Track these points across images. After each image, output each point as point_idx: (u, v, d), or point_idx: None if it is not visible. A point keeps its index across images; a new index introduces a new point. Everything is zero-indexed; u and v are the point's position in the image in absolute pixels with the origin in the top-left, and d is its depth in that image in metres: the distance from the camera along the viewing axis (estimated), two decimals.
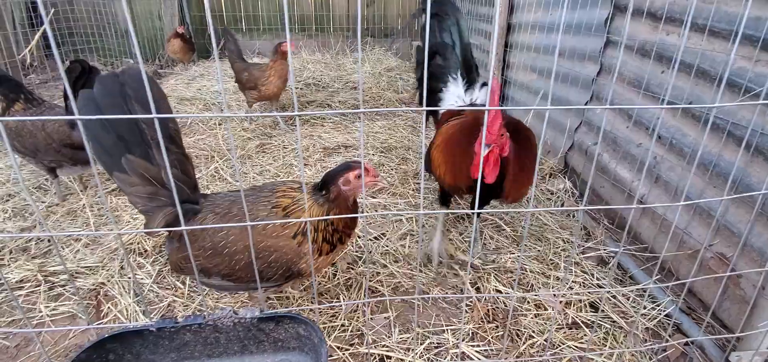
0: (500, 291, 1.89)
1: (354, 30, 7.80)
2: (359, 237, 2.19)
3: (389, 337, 1.64)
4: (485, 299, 1.86)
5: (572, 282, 1.98)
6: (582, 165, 2.76)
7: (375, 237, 2.19)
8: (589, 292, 1.91)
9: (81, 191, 2.60)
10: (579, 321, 1.77)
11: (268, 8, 7.39)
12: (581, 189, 2.76)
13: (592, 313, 1.83)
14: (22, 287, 1.83)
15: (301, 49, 7.02)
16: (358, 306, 1.77)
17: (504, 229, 2.32)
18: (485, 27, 4.65)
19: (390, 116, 4.22)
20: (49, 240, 2.12)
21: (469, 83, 2.27)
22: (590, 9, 2.80)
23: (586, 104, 2.80)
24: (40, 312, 1.70)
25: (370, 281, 1.90)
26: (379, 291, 1.87)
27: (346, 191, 1.42)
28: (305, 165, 3.02)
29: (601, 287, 1.94)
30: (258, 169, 2.96)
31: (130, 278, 1.86)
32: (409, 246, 2.14)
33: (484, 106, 2.05)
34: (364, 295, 1.82)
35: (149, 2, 6.49)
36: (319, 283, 1.89)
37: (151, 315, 1.70)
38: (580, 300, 1.87)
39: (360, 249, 2.11)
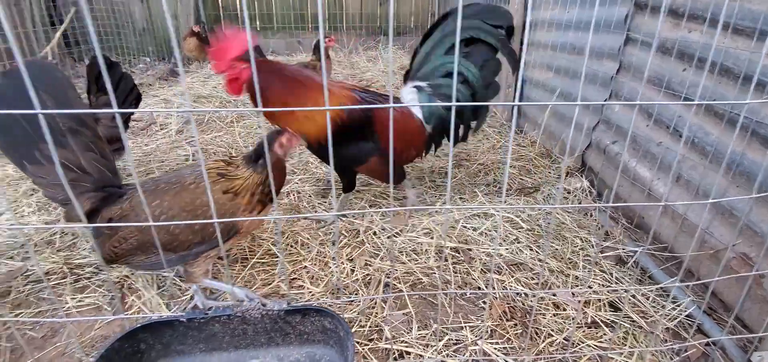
0: (518, 292, 1.88)
1: (367, 28, 7.81)
2: (374, 234, 2.20)
3: (408, 333, 1.65)
4: (503, 296, 1.86)
5: (591, 281, 1.96)
6: (600, 164, 2.73)
7: (392, 235, 2.20)
8: (608, 292, 1.90)
9: None
10: (598, 321, 1.76)
11: (282, 7, 7.44)
12: (599, 188, 2.73)
13: (612, 313, 1.81)
14: (49, 279, 1.88)
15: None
16: (376, 302, 1.79)
17: (521, 226, 2.31)
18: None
19: None
20: (73, 234, 2.17)
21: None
22: (609, 6, 2.77)
23: (604, 102, 2.78)
24: (67, 303, 1.75)
25: (387, 277, 1.91)
26: (397, 288, 1.88)
27: (281, 153, 1.56)
28: (321, 162, 3.04)
29: (626, 290, 1.92)
30: None
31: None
32: (427, 243, 2.14)
33: None
34: (382, 291, 1.83)
35: (170, 4, 6.59)
36: (338, 278, 1.90)
37: (174, 308, 1.73)
38: (599, 300, 1.86)
39: (376, 246, 2.12)
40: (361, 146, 2.05)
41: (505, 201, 2.60)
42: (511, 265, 2.04)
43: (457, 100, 2.17)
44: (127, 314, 1.69)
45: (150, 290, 1.79)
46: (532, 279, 1.97)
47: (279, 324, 1.13)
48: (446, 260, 2.04)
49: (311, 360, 1.13)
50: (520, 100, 4.13)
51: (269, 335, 1.14)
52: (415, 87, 2.20)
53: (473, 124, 2.35)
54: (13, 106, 1.26)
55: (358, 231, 2.23)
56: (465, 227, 2.26)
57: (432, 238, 2.15)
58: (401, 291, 1.85)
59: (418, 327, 1.69)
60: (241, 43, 1.72)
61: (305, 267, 1.96)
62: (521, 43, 4.06)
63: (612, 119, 2.71)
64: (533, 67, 3.83)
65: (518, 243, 2.18)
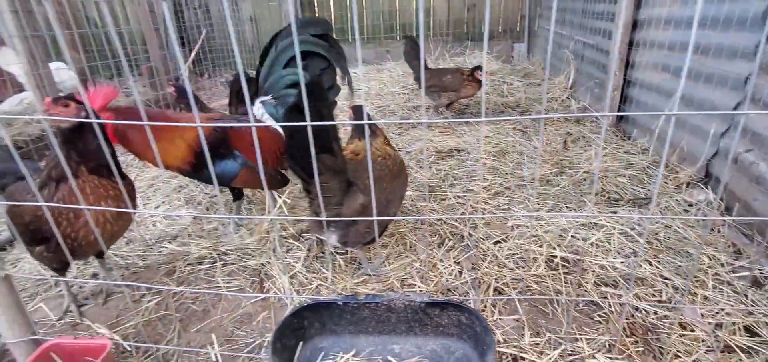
0: (637, 307, 1.80)
1: (454, 34, 7.84)
2: (471, 235, 2.25)
3: (520, 339, 1.68)
4: (621, 311, 1.79)
5: (723, 302, 1.80)
6: (730, 174, 2.47)
7: (498, 240, 2.23)
8: (743, 315, 1.73)
9: None
10: (733, 346, 1.62)
11: (372, 18, 7.78)
12: (728, 202, 2.47)
13: (748, 338, 1.66)
14: (202, 263, 2.23)
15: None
16: (485, 306, 1.84)
17: (637, 239, 2.19)
18: (603, 25, 4.36)
19: (498, 121, 4.18)
20: (222, 225, 2.55)
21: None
22: (743, 1, 2.50)
23: (735, 108, 2.51)
24: (219, 283, 2.07)
25: (496, 282, 1.95)
26: (506, 292, 1.91)
27: None
28: (421, 167, 3.17)
29: (765, 315, 1.74)
30: None
31: (283, 260, 2.17)
32: (534, 251, 2.14)
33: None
34: (491, 294, 1.88)
35: (270, 21, 7.28)
36: (446, 280, 1.99)
37: (303, 294, 1.96)
38: (733, 323, 1.71)
39: (483, 251, 2.17)
40: (225, 164, 2.15)
41: (617, 212, 2.48)
42: (629, 279, 1.95)
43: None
44: (265, 296, 1.96)
45: (282, 277, 2.05)
46: (653, 295, 1.87)
47: (419, 315, 1.25)
48: (556, 269, 2.02)
49: (446, 351, 1.22)
50: (625, 104, 3.87)
51: (409, 324, 1.27)
52: (262, 102, 2.36)
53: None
54: None
55: (463, 236, 2.30)
56: (575, 237, 2.21)
57: (540, 246, 2.14)
58: (510, 296, 1.88)
59: (531, 335, 1.70)
60: (103, 97, 1.83)
61: (415, 267, 2.08)
62: (630, 43, 3.81)
63: (747, 125, 2.44)
64: (645, 68, 3.57)
65: (635, 256, 2.07)
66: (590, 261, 2.06)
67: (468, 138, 3.75)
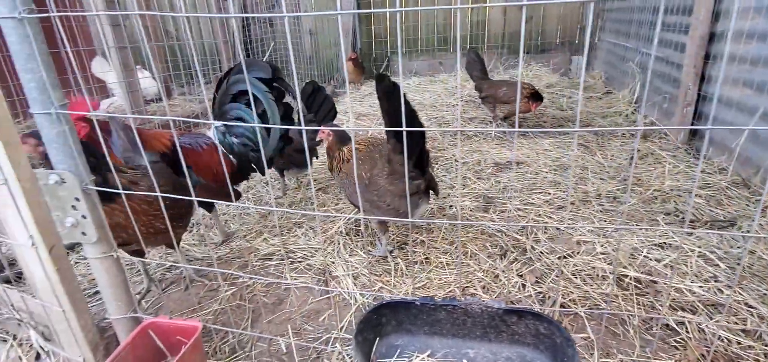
0: (720, 336, 1.69)
1: (510, 46, 7.74)
2: (533, 248, 2.21)
3: (590, 357, 1.63)
4: (700, 338, 1.69)
5: None
6: None
7: (563, 256, 2.18)
8: None
9: (296, 187, 3.22)
10: None
11: (426, 31, 7.86)
12: None
13: None
14: (271, 259, 2.37)
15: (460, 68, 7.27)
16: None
17: (717, 263, 2.06)
18: (674, 37, 4.13)
19: (556, 134, 4.09)
20: (295, 223, 2.69)
21: None
22: None
23: None
24: (287, 279, 2.18)
25: (562, 297, 1.91)
26: (573, 309, 1.86)
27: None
28: (478, 178, 3.16)
29: None
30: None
31: (346, 260, 2.26)
32: (601, 269, 2.07)
33: None
34: (558, 311, 1.84)
35: (328, 34, 7.57)
36: (510, 292, 1.97)
37: (367, 296, 2.02)
38: None
39: (547, 266, 2.13)
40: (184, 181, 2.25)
41: (693, 233, 2.33)
42: (708, 305, 1.84)
43: (248, 139, 2.56)
44: (330, 292, 2.05)
45: (347, 279, 2.13)
46: (736, 323, 1.75)
47: (495, 321, 1.26)
48: (627, 289, 1.94)
49: (522, 360, 1.23)
50: (699, 120, 3.63)
51: (485, 330, 1.28)
52: (215, 128, 2.56)
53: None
54: None
55: (525, 249, 2.27)
56: (647, 257, 2.11)
57: (609, 263, 2.07)
58: (577, 313, 1.83)
59: (601, 355, 1.65)
60: (81, 106, 1.90)
61: (477, 277, 2.08)
62: (706, 57, 3.59)
63: None
64: (723, 83, 3.34)
65: (716, 281, 1.94)
66: (665, 283, 1.96)
67: (526, 150, 3.69)
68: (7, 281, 2.22)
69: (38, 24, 1.20)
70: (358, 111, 5.24)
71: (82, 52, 5.18)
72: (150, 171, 1.32)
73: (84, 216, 1.35)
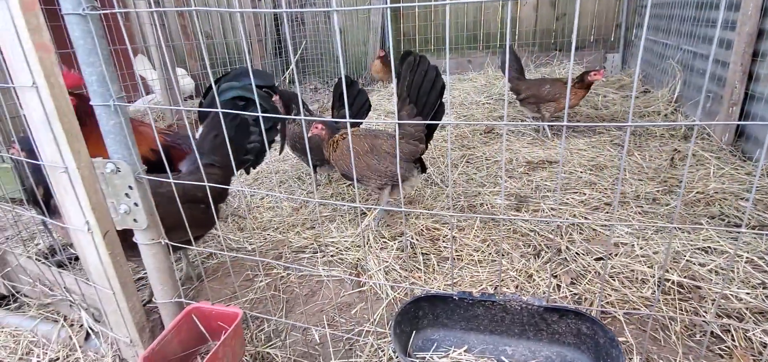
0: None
1: (541, 44, 7.57)
2: (568, 249, 2.17)
3: (630, 360, 1.59)
4: (747, 347, 1.62)
5: None
6: None
7: (600, 257, 2.13)
8: None
9: (327, 183, 3.27)
10: None
11: (454, 29, 7.80)
12: None
13: None
14: (305, 251, 2.42)
15: (487, 66, 7.20)
16: None
17: (767, 270, 1.96)
18: (720, 33, 3.94)
19: (590, 132, 3.98)
20: (328, 218, 2.75)
21: None
22: None
23: None
24: (320, 273, 2.23)
25: (600, 300, 1.86)
26: (610, 313, 1.82)
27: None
28: (510, 177, 3.12)
29: None
30: (464, 177, 3.20)
31: (377, 254, 2.28)
32: (641, 272, 2.01)
33: None
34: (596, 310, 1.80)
35: (358, 32, 7.63)
36: (544, 293, 1.94)
37: (397, 291, 2.04)
38: None
39: (584, 268, 2.08)
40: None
41: (742, 238, 2.23)
42: (757, 313, 1.75)
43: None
44: (361, 289, 2.07)
45: (379, 274, 2.15)
46: None
47: (535, 319, 1.25)
48: (668, 293, 1.88)
49: (562, 360, 1.21)
50: (746, 120, 3.45)
51: (523, 327, 1.27)
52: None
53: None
54: None
55: (560, 249, 2.23)
56: (690, 261, 2.03)
57: (650, 267, 2.00)
58: (615, 316, 1.78)
59: (640, 361, 1.60)
60: (71, 80, 1.91)
61: (511, 275, 2.06)
62: (754, 55, 3.41)
63: None
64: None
65: (765, 288, 1.85)
66: (709, 289, 1.88)
67: (560, 149, 3.61)
68: (61, 264, 2.36)
69: (100, 20, 1.27)
70: (386, 108, 5.26)
71: (128, 50, 5.42)
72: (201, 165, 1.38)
73: (136, 204, 1.42)
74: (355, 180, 2.34)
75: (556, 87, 3.88)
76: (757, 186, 2.69)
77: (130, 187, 1.39)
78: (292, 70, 6.85)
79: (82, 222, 1.45)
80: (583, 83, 3.79)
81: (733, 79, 3.51)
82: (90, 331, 1.90)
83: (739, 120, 3.53)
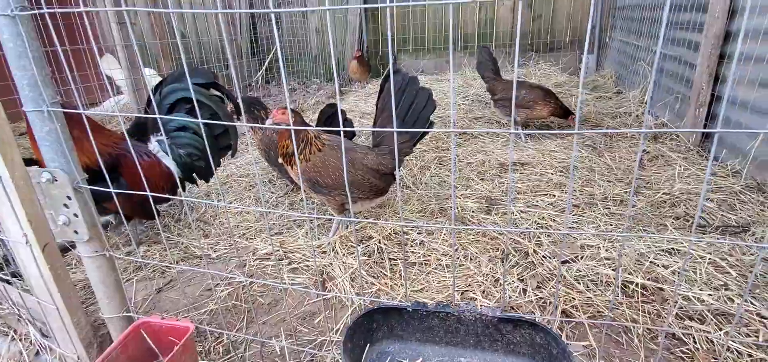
0: (729, 347, 1.63)
1: (518, 45, 7.64)
2: (535, 252, 2.16)
3: None
4: (708, 349, 1.63)
5: None
6: None
7: (566, 261, 2.13)
8: None
9: (296, 189, 3.20)
10: None
11: (434, 30, 7.80)
12: None
13: None
14: (269, 258, 2.35)
15: (464, 67, 7.22)
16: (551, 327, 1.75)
17: (729, 271, 1.99)
18: (687, 35, 4.03)
19: (564, 135, 4.01)
20: (296, 223, 2.68)
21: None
22: None
23: None
24: (284, 280, 2.16)
25: (564, 303, 1.86)
26: (574, 315, 1.81)
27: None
28: (482, 179, 3.11)
29: None
30: (437, 179, 3.18)
31: (343, 260, 2.23)
32: (606, 275, 2.01)
33: None
34: (559, 318, 1.79)
35: (337, 32, 7.55)
36: (510, 297, 1.93)
37: (364, 297, 1.99)
38: None
39: (550, 271, 2.08)
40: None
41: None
42: (718, 315, 1.77)
43: (194, 148, 2.56)
44: (324, 295, 2.02)
45: (344, 282, 2.10)
46: (748, 335, 1.68)
47: (489, 330, 1.23)
48: (632, 296, 1.89)
49: None
50: (712, 122, 3.53)
51: (478, 338, 1.25)
52: (158, 140, 2.51)
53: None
54: None
55: (528, 252, 2.22)
56: (654, 263, 2.05)
57: (613, 269, 2.01)
58: (581, 319, 1.78)
59: None
60: None
61: (477, 281, 2.04)
62: (721, 57, 3.49)
63: None
64: (738, 84, 3.24)
65: (727, 289, 1.88)
66: (671, 291, 1.90)
67: (532, 151, 3.63)
68: (15, 275, 2.24)
69: (31, 21, 1.19)
70: (362, 110, 5.21)
71: (93, 50, 5.22)
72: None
73: (76, 215, 1.34)
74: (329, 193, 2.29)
75: (532, 93, 3.87)
76: (718, 187, 2.75)
77: (69, 197, 1.31)
78: (265, 70, 6.75)
79: (20, 235, 1.36)
80: (562, 112, 3.85)
81: (700, 81, 3.59)
82: (38, 347, 1.80)
83: (707, 121, 3.61)
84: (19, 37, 1.16)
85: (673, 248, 2.19)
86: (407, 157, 2.88)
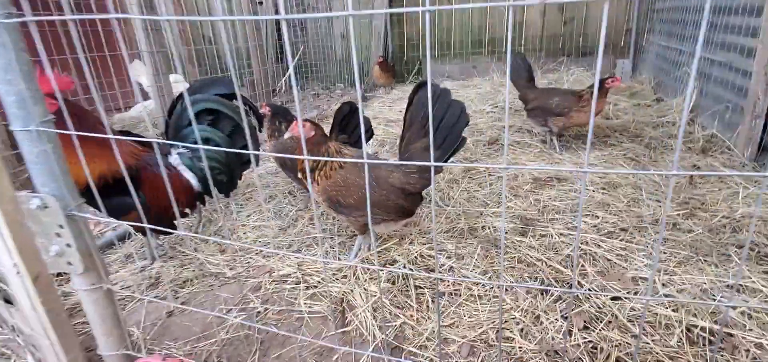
0: None
1: (547, 50, 7.32)
2: (581, 284, 1.92)
3: None
4: None
5: None
6: None
7: (617, 296, 1.88)
8: None
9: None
10: None
11: (460, 34, 7.57)
12: None
13: None
14: (286, 281, 2.19)
15: (492, 72, 6.95)
16: None
17: None
18: (740, 40, 3.67)
19: (603, 146, 3.72)
20: (312, 239, 2.52)
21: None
22: None
23: None
24: (300, 306, 2.00)
25: (618, 350, 1.62)
26: None
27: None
28: (515, 195, 2.87)
29: None
30: (466, 194, 2.96)
31: (365, 289, 2.05)
32: (666, 317, 1.76)
33: None
34: None
35: (361, 37, 7.42)
36: (552, 339, 1.70)
37: (386, 332, 1.81)
38: None
39: (599, 309, 1.83)
40: (123, 200, 1.99)
41: None
42: None
43: (216, 162, 2.47)
44: (344, 330, 1.84)
45: (366, 311, 1.92)
46: None
47: None
48: (696, 343, 1.63)
49: None
50: None
51: None
52: (179, 153, 2.40)
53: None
54: None
55: (571, 284, 1.98)
56: (721, 302, 1.77)
57: (674, 310, 1.75)
58: None
59: None
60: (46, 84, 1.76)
61: (514, 316, 1.82)
62: None
63: None
64: None
65: None
66: (743, 337, 1.63)
67: (569, 165, 3.36)
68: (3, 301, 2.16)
69: (18, 30, 1.06)
70: (386, 116, 5.04)
71: (120, 57, 5.26)
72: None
73: (69, 245, 1.20)
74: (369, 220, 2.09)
75: (566, 100, 3.59)
76: None
77: (61, 226, 1.18)
78: (290, 75, 6.66)
79: (11, 264, 1.24)
80: (601, 91, 3.49)
81: (757, 90, 3.25)
82: None
83: (763, 134, 3.27)
84: (4, 48, 1.03)
85: (740, 284, 1.90)
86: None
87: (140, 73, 5.41)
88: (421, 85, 2.06)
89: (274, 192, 3.29)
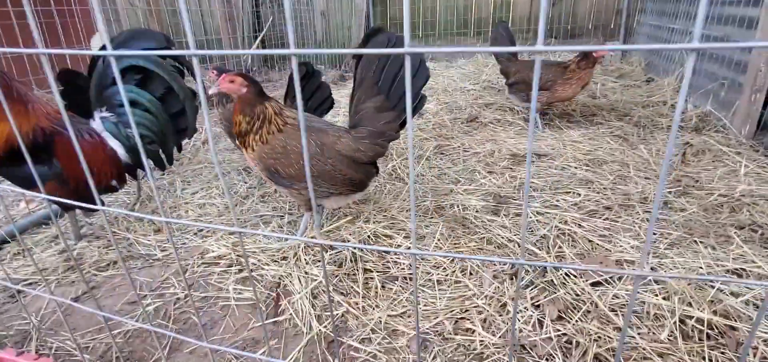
0: None
1: (536, 30, 7.02)
2: (561, 270, 1.64)
3: None
4: None
5: None
6: None
7: (597, 282, 1.60)
8: None
9: None
10: None
11: (445, 14, 7.25)
12: None
13: None
14: (219, 264, 1.88)
15: (477, 55, 6.65)
16: None
17: None
18: (738, 11, 3.42)
19: (588, 124, 3.45)
20: (248, 221, 2.21)
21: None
22: None
23: None
24: (228, 292, 1.69)
25: (597, 345, 1.34)
26: None
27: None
28: (490, 172, 2.59)
29: None
30: (436, 171, 2.66)
31: (306, 273, 1.75)
32: (656, 306, 1.49)
33: None
34: None
35: (343, 15, 7.04)
36: (520, 330, 1.42)
37: (325, 323, 1.51)
38: None
39: (576, 295, 1.55)
40: (37, 169, 1.67)
41: None
42: None
43: (147, 128, 2.10)
44: (276, 319, 1.54)
45: (303, 299, 1.62)
46: None
47: None
48: (690, 337, 1.36)
49: None
50: None
51: None
52: (102, 117, 2.05)
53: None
54: None
55: (545, 269, 1.70)
56: (721, 291, 1.51)
57: (665, 298, 1.48)
58: None
59: None
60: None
61: (476, 305, 1.53)
62: None
63: None
64: None
65: None
66: (747, 331, 1.36)
67: (551, 141, 3.08)
68: None
69: None
70: None
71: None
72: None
73: None
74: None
75: (551, 71, 3.30)
76: None
77: None
78: (259, 44, 6.28)
79: None
80: (588, 61, 3.21)
81: (758, 62, 2.99)
82: None
83: (764, 109, 3.02)
84: None
85: (742, 268, 1.64)
86: (393, 143, 2.36)
87: (101, 45, 5.01)
88: (371, 34, 1.74)
89: (228, 168, 2.96)
